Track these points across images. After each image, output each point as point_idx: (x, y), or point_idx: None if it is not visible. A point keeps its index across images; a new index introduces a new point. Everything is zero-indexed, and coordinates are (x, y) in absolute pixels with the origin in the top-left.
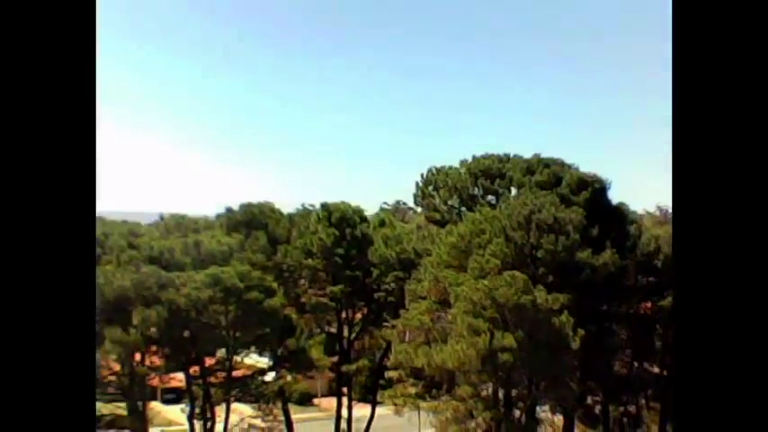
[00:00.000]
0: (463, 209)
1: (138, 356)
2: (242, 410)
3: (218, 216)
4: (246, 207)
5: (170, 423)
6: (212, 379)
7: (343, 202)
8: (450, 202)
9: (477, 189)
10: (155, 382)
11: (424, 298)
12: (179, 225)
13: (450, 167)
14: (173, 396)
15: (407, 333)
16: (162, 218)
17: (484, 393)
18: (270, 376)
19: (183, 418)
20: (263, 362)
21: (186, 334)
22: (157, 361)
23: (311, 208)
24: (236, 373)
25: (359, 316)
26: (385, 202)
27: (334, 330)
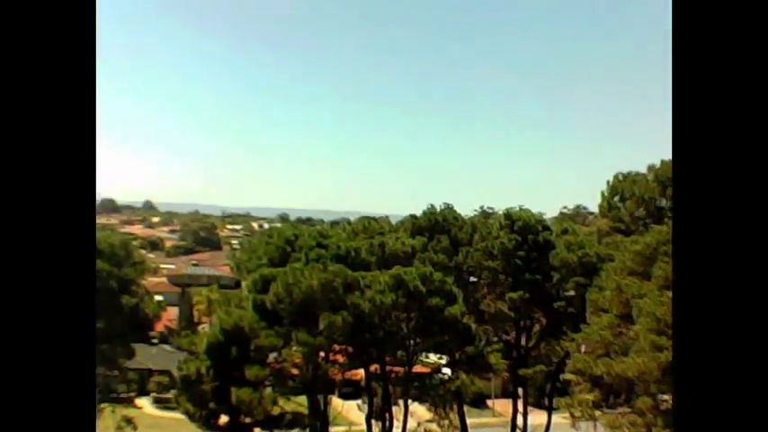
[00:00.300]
0: (649, 221)
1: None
2: (420, 414)
3: (403, 221)
4: (430, 213)
5: (351, 424)
6: (391, 375)
7: (523, 210)
8: (636, 214)
9: (665, 200)
10: (335, 374)
11: (606, 311)
12: (366, 228)
13: (637, 173)
14: (350, 389)
15: (583, 345)
16: (349, 222)
17: (663, 407)
18: (446, 373)
19: (363, 418)
20: (441, 362)
21: (368, 336)
22: (340, 358)
23: (490, 210)
24: (414, 369)
25: (537, 327)
26: (565, 206)
27: (511, 338)
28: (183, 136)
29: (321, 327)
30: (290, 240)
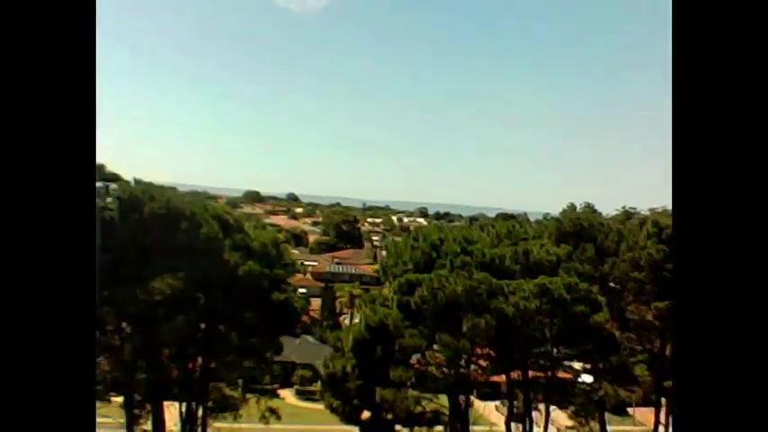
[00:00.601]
0: None
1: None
2: (560, 422)
3: (545, 221)
4: (572, 215)
5: (492, 425)
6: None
7: (670, 213)
8: None
9: None
10: (477, 376)
11: None
12: (510, 233)
13: None
14: (490, 391)
15: None
16: (493, 226)
17: None
18: (589, 382)
19: (502, 420)
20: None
21: (511, 340)
22: (483, 363)
23: (632, 210)
24: (557, 375)
25: None
26: None
27: (655, 347)
28: (326, 129)
29: (464, 329)
30: (436, 245)
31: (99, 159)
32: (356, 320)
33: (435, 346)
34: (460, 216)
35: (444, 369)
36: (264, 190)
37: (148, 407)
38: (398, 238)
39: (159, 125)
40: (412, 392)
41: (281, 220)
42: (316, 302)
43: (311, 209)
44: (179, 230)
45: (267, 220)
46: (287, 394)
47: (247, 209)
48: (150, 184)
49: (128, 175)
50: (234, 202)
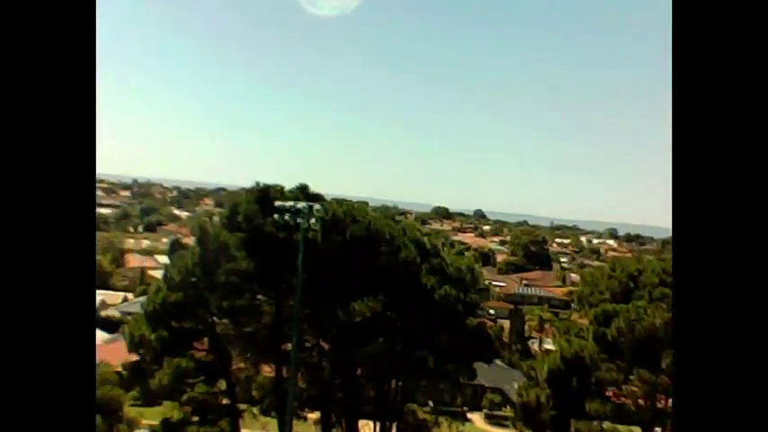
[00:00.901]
0: None
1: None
2: None
3: None
4: None
5: None
6: None
7: None
8: None
9: None
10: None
11: None
12: None
13: None
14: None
15: None
16: None
17: None
18: None
19: None
20: None
21: None
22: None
23: None
24: None
25: None
26: None
27: None
28: (510, 147)
29: (663, 365)
30: (633, 275)
31: (302, 180)
32: (546, 346)
33: (632, 377)
34: (652, 238)
35: (640, 401)
36: (452, 206)
37: (343, 424)
38: (588, 261)
39: (353, 144)
40: (608, 426)
41: (469, 237)
42: (504, 324)
43: (498, 227)
44: (378, 253)
45: (455, 238)
46: (476, 418)
47: (435, 225)
48: (349, 204)
49: (324, 188)
50: (422, 218)
